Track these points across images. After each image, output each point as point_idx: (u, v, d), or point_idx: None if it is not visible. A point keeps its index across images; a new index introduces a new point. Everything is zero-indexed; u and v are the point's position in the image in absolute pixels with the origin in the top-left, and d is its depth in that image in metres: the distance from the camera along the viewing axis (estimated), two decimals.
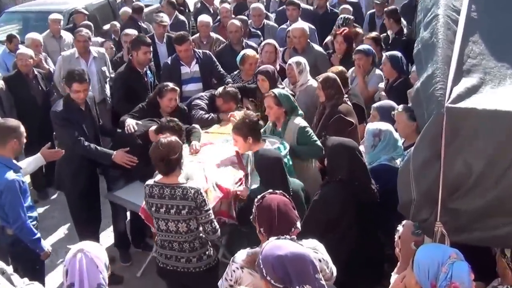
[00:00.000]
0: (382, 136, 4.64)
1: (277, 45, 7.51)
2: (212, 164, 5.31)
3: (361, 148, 5.03)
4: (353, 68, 6.99)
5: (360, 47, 7.09)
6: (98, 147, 5.66)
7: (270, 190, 3.49)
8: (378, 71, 6.98)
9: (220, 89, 6.67)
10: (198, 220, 4.30)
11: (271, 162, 4.53)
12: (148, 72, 7.09)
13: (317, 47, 7.89)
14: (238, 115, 5.94)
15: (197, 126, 6.07)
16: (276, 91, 5.60)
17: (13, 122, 4.77)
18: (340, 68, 6.39)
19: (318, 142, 5.32)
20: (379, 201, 4.25)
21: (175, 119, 5.47)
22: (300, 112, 5.61)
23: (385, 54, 6.80)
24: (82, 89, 5.65)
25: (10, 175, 4.53)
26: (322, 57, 7.70)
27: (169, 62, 7.35)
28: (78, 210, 5.99)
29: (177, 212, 4.25)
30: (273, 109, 5.52)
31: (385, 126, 4.72)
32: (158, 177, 4.40)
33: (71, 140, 5.55)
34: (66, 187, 6.00)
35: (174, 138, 4.36)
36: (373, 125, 4.78)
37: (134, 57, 6.87)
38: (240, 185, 5.11)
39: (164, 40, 8.43)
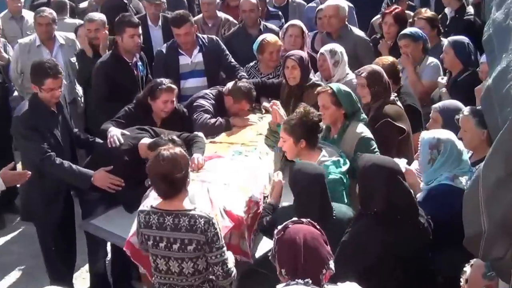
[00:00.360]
0: (442, 147, 4.59)
1: (304, 28, 7.56)
2: (219, 184, 5.34)
3: (415, 164, 5.02)
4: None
5: (406, 30, 7.11)
6: (73, 166, 5.68)
7: (295, 219, 3.49)
8: (432, 59, 7.00)
9: (230, 84, 6.71)
10: (207, 258, 4.32)
11: (309, 179, 4.53)
12: (139, 63, 7.16)
13: (357, 31, 7.93)
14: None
15: (200, 134, 6.09)
16: (334, 86, 5.56)
17: None
18: (391, 58, 6.42)
19: None
20: (436, 235, 4.23)
21: (177, 139, 5.49)
22: (363, 116, 5.58)
23: (447, 40, 6.80)
24: (57, 85, 5.69)
25: None
26: (364, 43, 7.75)
27: (163, 50, 7.41)
28: (54, 246, 6.01)
29: (181, 248, 4.26)
30: (330, 109, 5.46)
31: (444, 134, 4.69)
32: (156, 200, 4.42)
33: (38, 156, 5.56)
34: (37, 217, 6.01)
35: (178, 149, 4.39)
36: (429, 134, 4.74)
37: (119, 44, 6.95)
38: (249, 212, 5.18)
39: (159, 23, 8.51)
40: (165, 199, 4.31)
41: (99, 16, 8.03)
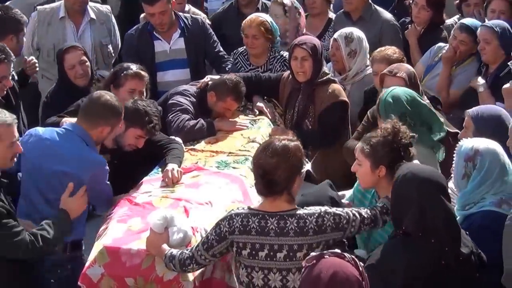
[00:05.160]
0: (478, 160, 4.58)
1: (291, 2, 7.56)
2: (199, 203, 5.30)
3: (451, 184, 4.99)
4: (436, 48, 7.07)
5: (469, 23, 7.01)
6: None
7: (337, 251, 3.52)
8: (476, 64, 6.98)
9: (210, 78, 6.71)
10: None
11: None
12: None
13: (384, 13, 7.91)
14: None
15: (177, 139, 6.10)
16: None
17: None
18: (397, 49, 6.48)
19: None
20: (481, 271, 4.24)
21: (147, 100, 5.68)
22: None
23: (484, 26, 6.73)
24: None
25: None
26: (392, 30, 7.73)
27: (134, 33, 7.44)
28: None
29: (289, 256, 4.31)
30: None
31: (485, 144, 4.66)
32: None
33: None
34: None
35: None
36: (468, 142, 4.74)
37: None
38: None
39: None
40: (270, 195, 4.37)
41: None
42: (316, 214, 4.33)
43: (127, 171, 5.76)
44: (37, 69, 7.20)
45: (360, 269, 3.43)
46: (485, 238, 4.34)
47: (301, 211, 4.35)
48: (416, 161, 4.77)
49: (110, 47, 7.91)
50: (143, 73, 6.23)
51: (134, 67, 6.22)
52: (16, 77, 6.77)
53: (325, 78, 6.50)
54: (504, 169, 4.62)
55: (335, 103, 6.43)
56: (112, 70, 6.51)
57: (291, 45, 6.67)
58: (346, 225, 4.37)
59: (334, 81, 6.55)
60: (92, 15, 7.80)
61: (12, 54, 5.92)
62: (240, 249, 4.39)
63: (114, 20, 8.05)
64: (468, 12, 7.77)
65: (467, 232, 4.34)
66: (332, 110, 6.40)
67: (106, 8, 8.05)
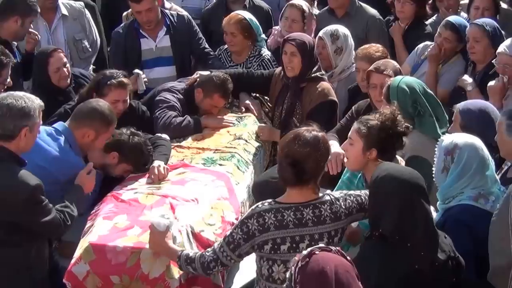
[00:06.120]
0: (456, 154, 4.59)
1: (308, 8, 7.48)
2: (185, 199, 5.28)
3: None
4: (422, 47, 7.04)
5: (454, 20, 6.98)
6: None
7: (322, 245, 3.45)
8: (462, 62, 6.97)
9: (199, 74, 6.67)
10: None
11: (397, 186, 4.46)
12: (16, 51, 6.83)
13: (369, 9, 7.87)
14: None
15: (164, 136, 6.09)
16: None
17: None
18: (381, 47, 6.44)
19: None
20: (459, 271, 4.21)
21: (143, 137, 5.63)
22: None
23: (474, 24, 6.68)
24: None
25: None
26: (378, 26, 7.71)
27: (121, 31, 7.41)
28: None
29: (329, 243, 4.33)
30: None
31: (464, 138, 4.68)
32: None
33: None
34: None
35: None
36: (448, 137, 4.76)
37: None
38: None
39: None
40: (300, 184, 4.39)
41: None
42: (342, 198, 4.45)
43: None
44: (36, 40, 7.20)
45: (348, 258, 3.39)
46: (460, 232, 4.34)
47: (328, 197, 4.44)
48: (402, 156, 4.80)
49: (85, 42, 7.80)
50: (126, 81, 6.15)
51: (117, 74, 6.14)
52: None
53: (313, 75, 6.46)
54: (484, 163, 4.61)
55: (323, 102, 6.39)
56: (94, 77, 6.42)
57: (282, 41, 6.64)
58: (367, 206, 4.44)
59: (324, 79, 6.52)
60: (64, 12, 7.73)
61: (11, 55, 5.93)
62: (278, 245, 4.36)
63: (89, 16, 7.94)
64: (441, 7, 7.88)
65: (445, 233, 4.31)
66: (321, 109, 6.35)
67: (79, 4, 7.96)
